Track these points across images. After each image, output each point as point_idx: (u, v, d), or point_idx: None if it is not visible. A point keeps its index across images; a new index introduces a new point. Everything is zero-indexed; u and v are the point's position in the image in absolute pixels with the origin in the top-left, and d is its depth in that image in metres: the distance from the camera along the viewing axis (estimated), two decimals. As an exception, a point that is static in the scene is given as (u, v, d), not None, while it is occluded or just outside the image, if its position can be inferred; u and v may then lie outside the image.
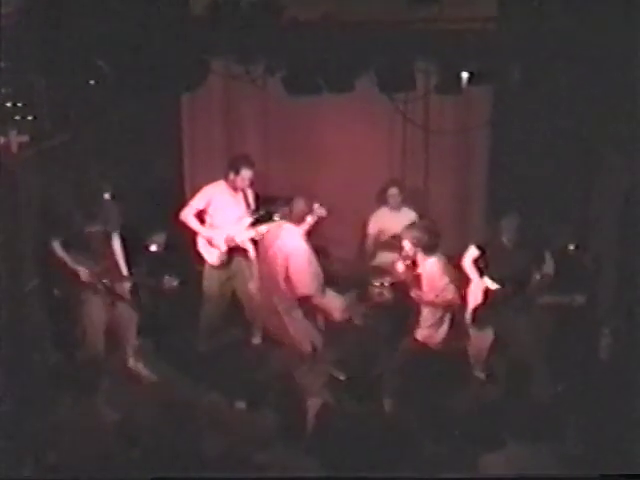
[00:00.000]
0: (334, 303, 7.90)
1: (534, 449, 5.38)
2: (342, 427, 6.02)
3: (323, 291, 7.77)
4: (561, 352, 7.92)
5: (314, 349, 7.91)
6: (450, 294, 7.41)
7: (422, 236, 7.44)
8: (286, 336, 7.89)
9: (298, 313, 7.82)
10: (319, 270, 7.75)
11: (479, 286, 7.83)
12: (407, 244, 7.52)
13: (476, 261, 7.90)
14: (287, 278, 7.65)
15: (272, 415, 5.86)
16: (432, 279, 7.43)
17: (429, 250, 7.44)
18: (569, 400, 7.26)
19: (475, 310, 7.80)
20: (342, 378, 8.13)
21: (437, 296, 7.44)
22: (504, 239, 7.73)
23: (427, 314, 7.53)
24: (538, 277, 7.77)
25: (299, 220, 7.83)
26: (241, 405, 6.88)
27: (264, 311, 8.17)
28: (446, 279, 7.39)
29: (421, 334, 7.57)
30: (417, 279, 7.54)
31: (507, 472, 5.34)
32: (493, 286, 7.73)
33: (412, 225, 7.75)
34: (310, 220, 7.85)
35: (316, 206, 8.70)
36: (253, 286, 8.38)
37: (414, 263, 7.56)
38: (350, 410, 6.26)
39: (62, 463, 5.46)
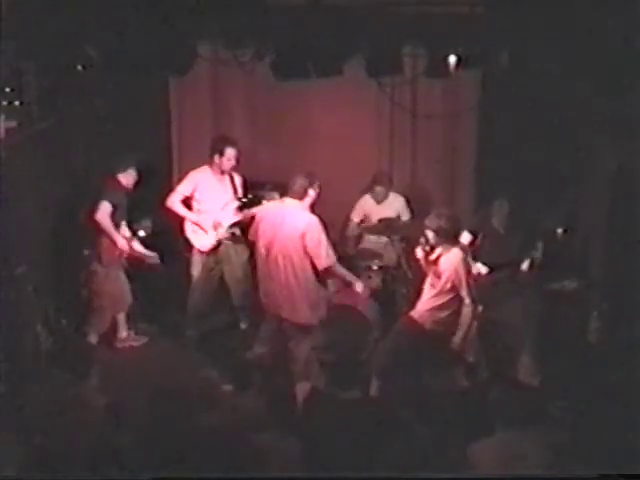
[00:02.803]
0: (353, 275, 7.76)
1: (523, 436, 5.41)
2: (331, 411, 6.06)
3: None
4: (549, 335, 7.97)
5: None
6: (465, 291, 7.30)
7: (447, 225, 7.35)
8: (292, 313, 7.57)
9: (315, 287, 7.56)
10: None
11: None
12: (430, 233, 7.39)
13: (470, 245, 7.90)
14: (305, 254, 7.33)
15: (260, 399, 5.90)
16: (454, 270, 7.31)
17: (452, 240, 7.36)
18: (558, 385, 7.29)
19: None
20: (330, 362, 8.19)
21: (453, 287, 7.35)
22: (495, 223, 7.74)
23: (430, 298, 7.43)
24: (529, 261, 7.81)
25: (301, 195, 7.44)
26: (228, 388, 6.93)
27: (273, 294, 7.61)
28: (465, 273, 7.28)
29: (418, 313, 7.49)
30: (436, 267, 7.43)
31: (497, 457, 5.38)
32: (484, 270, 7.75)
33: (437, 215, 7.62)
34: (312, 194, 7.45)
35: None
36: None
37: (432, 249, 7.43)
38: (338, 394, 6.29)
39: (53, 451, 5.44)
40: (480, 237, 7.84)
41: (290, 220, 7.34)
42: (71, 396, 6.09)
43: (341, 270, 7.54)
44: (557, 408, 6.45)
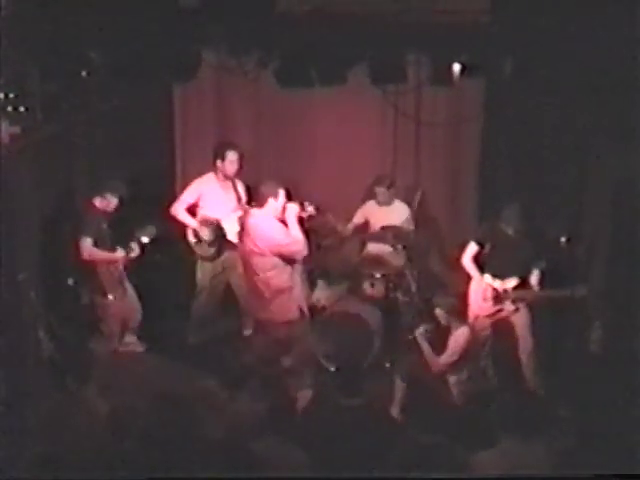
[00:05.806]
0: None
1: (526, 444, 5.40)
2: (332, 418, 6.05)
3: None
4: (552, 345, 7.96)
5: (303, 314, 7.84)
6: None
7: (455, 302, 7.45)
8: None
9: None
10: None
11: (480, 283, 7.84)
12: (440, 311, 7.41)
13: (476, 257, 7.87)
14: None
15: (262, 406, 5.90)
16: (457, 345, 7.36)
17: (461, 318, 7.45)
18: (561, 394, 7.28)
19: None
20: (332, 369, 8.18)
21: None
22: (508, 230, 7.66)
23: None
24: (538, 273, 7.78)
25: (261, 203, 7.55)
26: (228, 394, 6.91)
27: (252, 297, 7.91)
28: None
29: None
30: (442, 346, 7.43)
31: (499, 466, 5.36)
32: (495, 283, 7.73)
33: (445, 294, 7.69)
34: (278, 204, 7.55)
35: (305, 204, 8.72)
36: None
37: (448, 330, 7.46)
38: (339, 401, 6.28)
39: (55, 456, 5.43)
40: (484, 248, 7.85)
41: (254, 229, 7.59)
42: (73, 402, 6.10)
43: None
44: (560, 416, 6.44)
